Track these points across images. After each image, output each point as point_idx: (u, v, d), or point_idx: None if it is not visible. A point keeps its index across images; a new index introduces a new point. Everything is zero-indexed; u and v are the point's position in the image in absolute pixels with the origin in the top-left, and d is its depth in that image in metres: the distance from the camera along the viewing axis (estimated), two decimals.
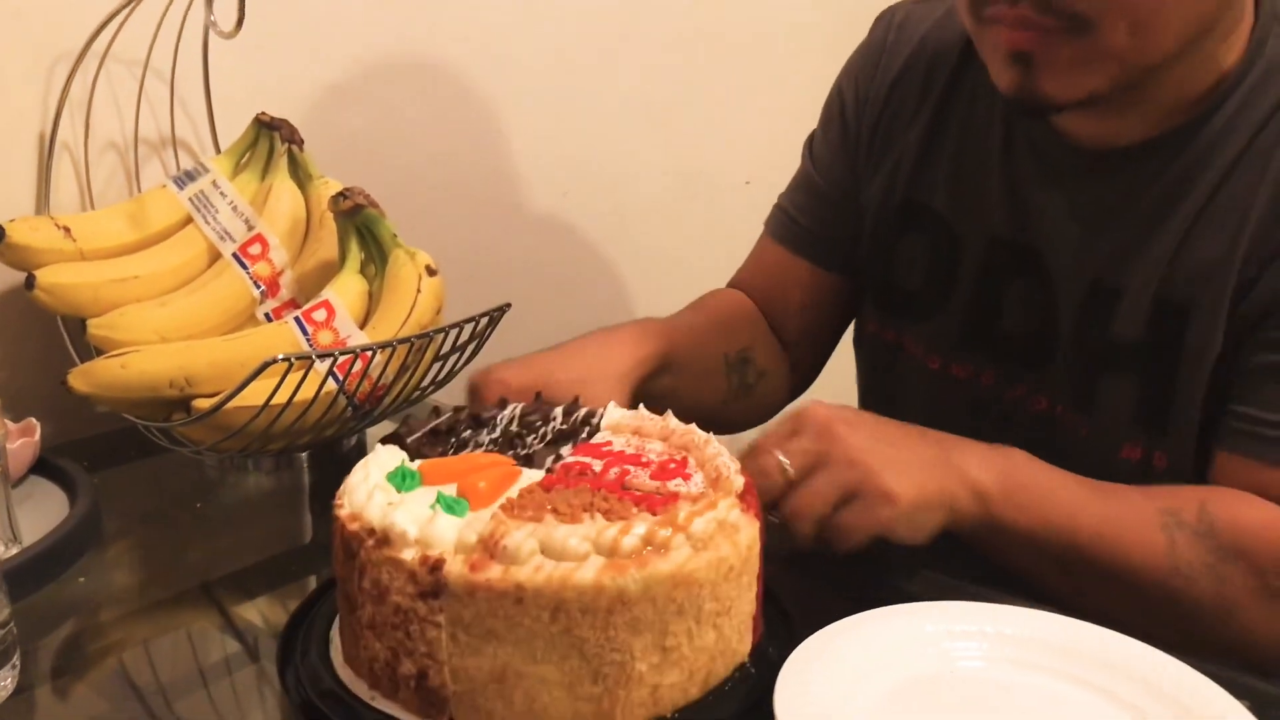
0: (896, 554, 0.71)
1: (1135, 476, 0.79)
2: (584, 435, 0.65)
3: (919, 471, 0.70)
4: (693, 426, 0.65)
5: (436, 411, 0.68)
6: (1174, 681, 0.55)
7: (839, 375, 1.08)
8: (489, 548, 0.50)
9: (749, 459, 0.69)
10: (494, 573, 0.50)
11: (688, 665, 0.53)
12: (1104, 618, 0.64)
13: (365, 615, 0.54)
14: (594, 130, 1.36)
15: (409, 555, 0.51)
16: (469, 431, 0.65)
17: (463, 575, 0.50)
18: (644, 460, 0.61)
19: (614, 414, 0.67)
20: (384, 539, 0.53)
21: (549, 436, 0.64)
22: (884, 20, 0.99)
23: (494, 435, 0.64)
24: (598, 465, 0.60)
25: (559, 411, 0.67)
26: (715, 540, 0.53)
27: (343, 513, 0.56)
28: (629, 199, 1.42)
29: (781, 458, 0.68)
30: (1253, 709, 0.56)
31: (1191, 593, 0.72)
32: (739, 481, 0.57)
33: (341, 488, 0.58)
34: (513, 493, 0.56)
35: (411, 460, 0.61)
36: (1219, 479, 0.77)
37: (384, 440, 0.64)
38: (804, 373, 1.07)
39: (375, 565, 0.53)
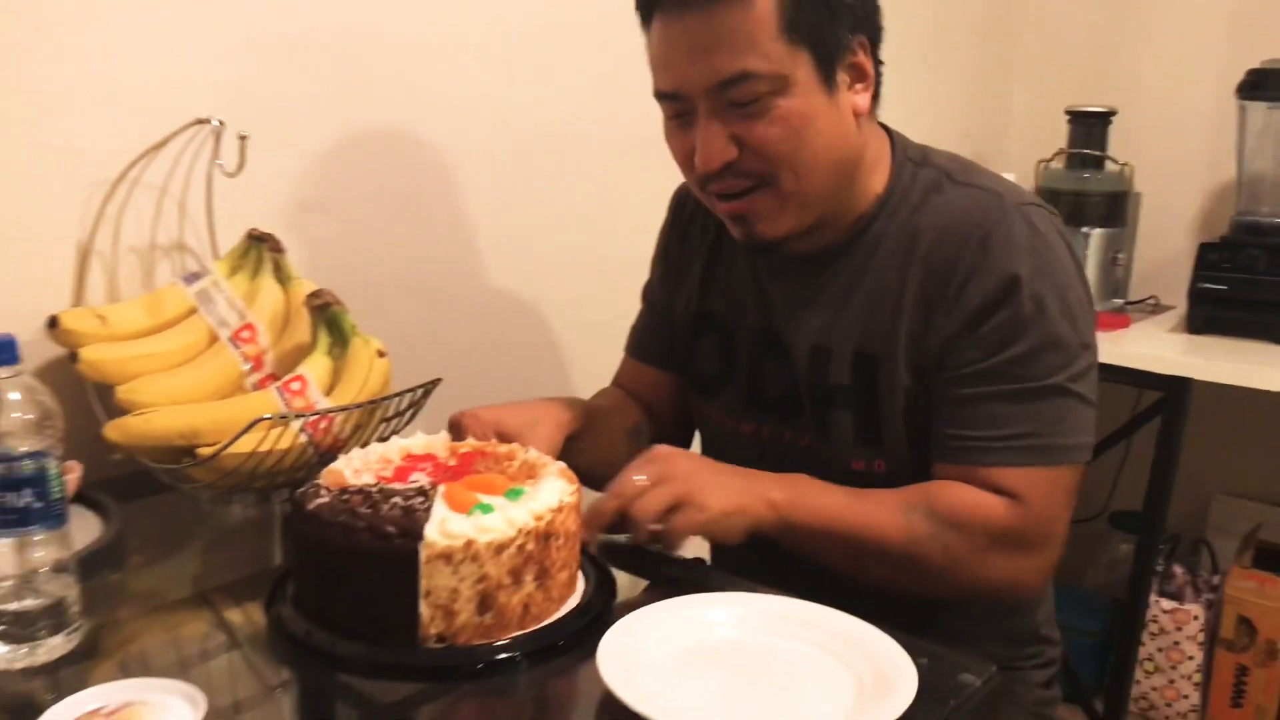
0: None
1: (864, 480, 1.10)
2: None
3: (728, 490, 1.00)
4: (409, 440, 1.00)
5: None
6: (862, 639, 0.81)
7: None
8: None
9: (615, 482, 0.97)
10: None
11: None
12: (879, 582, 0.97)
13: (559, 561, 0.86)
14: (525, 232, 1.63)
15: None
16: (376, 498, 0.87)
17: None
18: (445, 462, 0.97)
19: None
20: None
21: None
22: (676, 196, 1.33)
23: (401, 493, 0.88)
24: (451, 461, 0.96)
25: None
26: None
27: (540, 524, 0.83)
28: (552, 289, 1.70)
29: (636, 476, 0.97)
30: (931, 663, 0.82)
31: (925, 555, 1.02)
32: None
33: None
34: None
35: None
36: (953, 480, 1.05)
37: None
38: (678, 441, 1.32)
39: (562, 528, 0.86)
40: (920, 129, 2.23)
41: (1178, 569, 2.20)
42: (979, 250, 1.04)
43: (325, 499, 0.86)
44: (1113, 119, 2.30)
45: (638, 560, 1.00)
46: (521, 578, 0.83)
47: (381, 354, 1.13)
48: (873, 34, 1.07)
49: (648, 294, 1.36)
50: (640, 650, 0.79)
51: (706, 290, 1.25)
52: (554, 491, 0.87)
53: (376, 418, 1.10)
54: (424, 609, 0.81)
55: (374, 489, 0.88)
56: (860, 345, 1.10)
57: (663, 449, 1.02)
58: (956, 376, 1.05)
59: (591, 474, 1.16)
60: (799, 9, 1.00)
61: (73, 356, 1.10)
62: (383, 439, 1.12)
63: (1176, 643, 2.12)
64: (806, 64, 1.01)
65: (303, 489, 0.89)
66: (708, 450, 1.30)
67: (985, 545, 1.02)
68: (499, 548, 0.81)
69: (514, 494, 0.87)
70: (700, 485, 0.98)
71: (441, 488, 0.87)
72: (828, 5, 1.01)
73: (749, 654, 0.82)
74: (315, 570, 0.86)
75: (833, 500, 1.03)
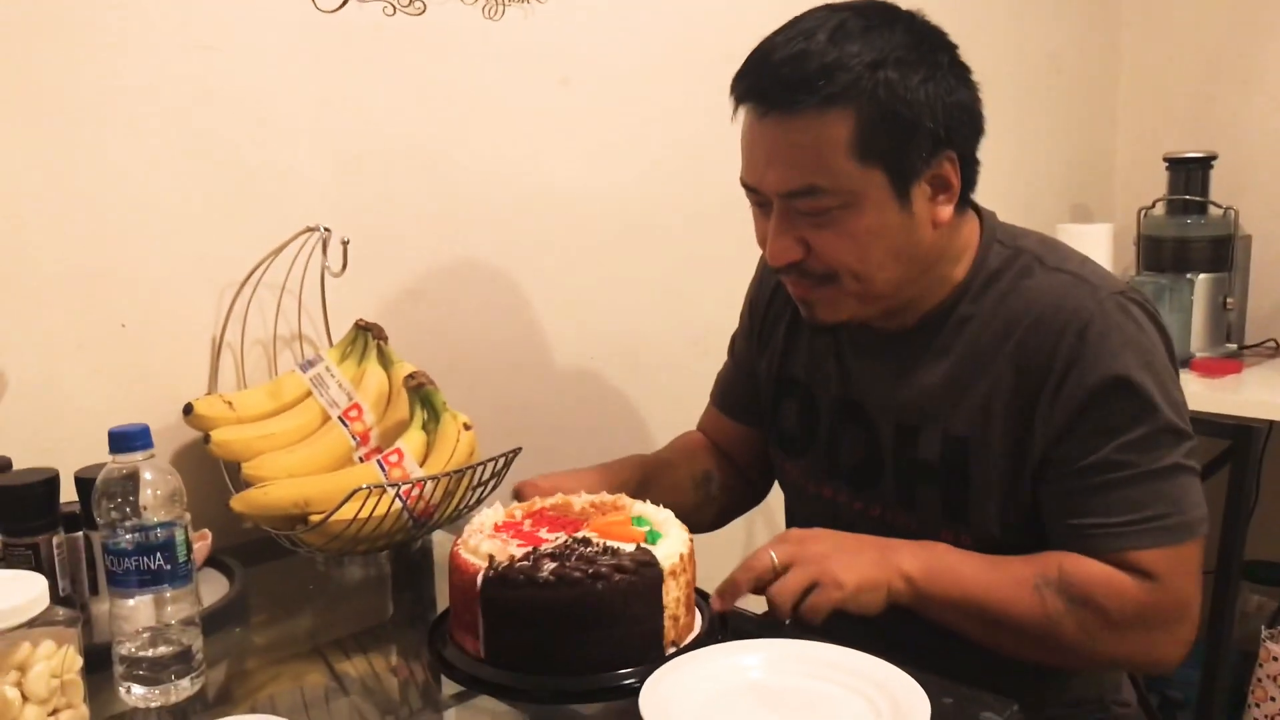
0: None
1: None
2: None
3: (862, 566, 1.02)
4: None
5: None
6: (886, 679, 0.88)
7: None
8: None
9: (750, 558, 1.02)
10: None
11: None
12: (1013, 654, 1.00)
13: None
14: (618, 302, 1.76)
15: None
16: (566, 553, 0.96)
17: None
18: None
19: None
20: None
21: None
22: (762, 260, 1.37)
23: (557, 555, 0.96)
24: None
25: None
26: None
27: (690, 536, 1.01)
28: (647, 358, 1.81)
29: (773, 554, 1.02)
30: (955, 703, 0.89)
31: (1059, 630, 1.03)
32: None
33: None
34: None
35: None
36: None
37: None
38: (759, 486, 1.42)
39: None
40: (1023, 184, 2.30)
41: None
42: (1077, 341, 1.05)
43: (554, 564, 0.93)
44: (1213, 163, 2.29)
45: None
46: (694, 580, 1.00)
47: (467, 427, 1.25)
48: (963, 145, 1.07)
49: (733, 347, 1.42)
50: (678, 695, 0.88)
51: (790, 353, 1.29)
52: (668, 513, 1.04)
53: (464, 485, 1.22)
54: (665, 622, 0.95)
55: (552, 549, 0.97)
56: (949, 426, 1.12)
57: (796, 531, 1.07)
58: (1079, 469, 1.06)
59: None
60: (874, 132, 1.01)
61: (206, 438, 1.26)
62: (469, 505, 1.24)
63: None
64: (880, 182, 1.03)
65: (498, 570, 0.94)
66: (789, 506, 1.36)
67: (1121, 623, 1.03)
68: (689, 557, 0.98)
69: (640, 521, 1.03)
70: (835, 564, 1.01)
71: (591, 534, 0.99)
72: (905, 128, 1.02)
73: (777, 694, 0.89)
74: (560, 626, 0.93)
75: (966, 571, 1.05)
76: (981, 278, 1.12)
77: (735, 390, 1.40)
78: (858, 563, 1.02)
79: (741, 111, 1.08)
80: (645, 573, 0.94)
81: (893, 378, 1.17)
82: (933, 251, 1.10)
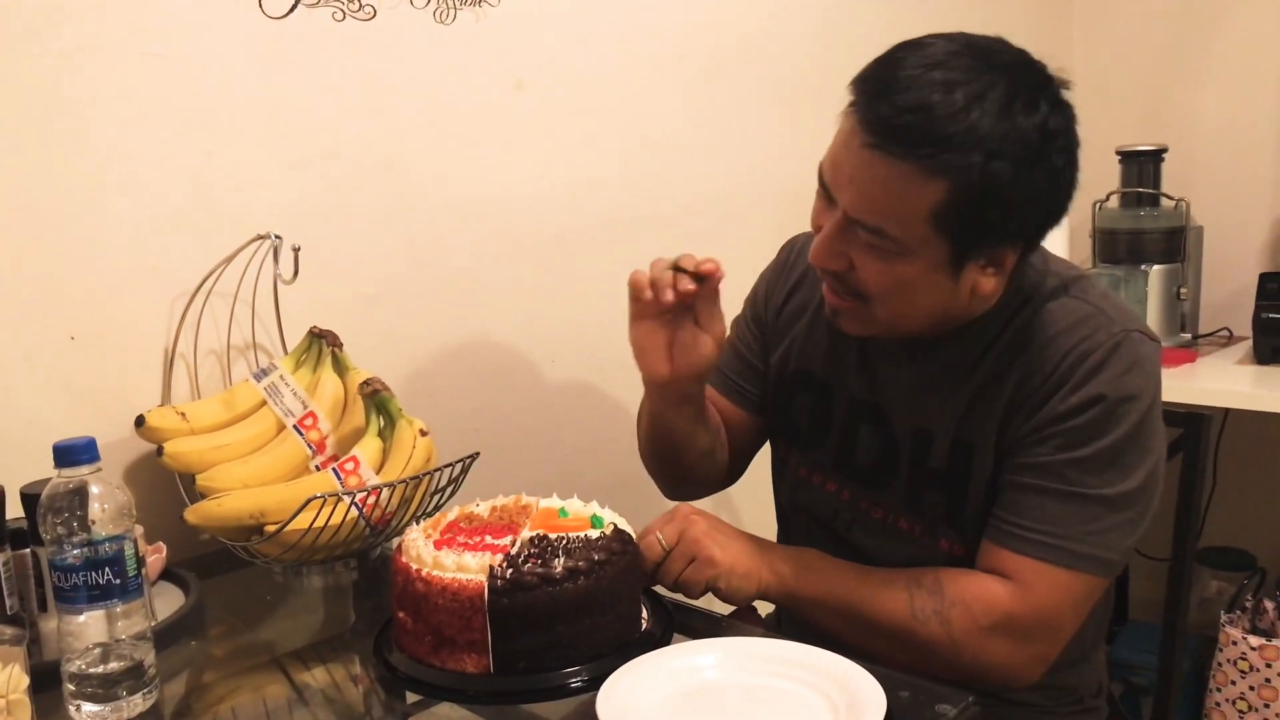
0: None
1: (946, 559, 1.15)
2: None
3: (737, 553, 1.11)
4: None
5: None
6: (843, 674, 0.88)
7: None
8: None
9: (640, 537, 1.09)
10: None
11: None
12: (880, 656, 0.98)
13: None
14: (575, 305, 1.75)
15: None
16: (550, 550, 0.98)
17: None
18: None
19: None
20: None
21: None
22: (788, 246, 1.38)
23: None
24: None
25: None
26: None
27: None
28: (606, 359, 1.80)
29: (659, 536, 1.11)
30: (911, 696, 0.89)
31: (926, 631, 1.06)
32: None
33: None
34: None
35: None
36: (980, 557, 1.11)
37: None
38: (732, 470, 1.42)
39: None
40: None
41: (1268, 604, 2.15)
42: (1074, 364, 1.07)
43: (562, 559, 0.95)
44: (1164, 156, 2.32)
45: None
46: None
47: (424, 433, 1.24)
48: (1035, 239, 1.07)
49: (736, 327, 1.40)
50: (635, 696, 0.88)
51: (809, 348, 1.29)
52: (579, 501, 1.09)
53: (421, 491, 1.21)
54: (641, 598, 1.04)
55: (528, 550, 0.98)
56: (959, 433, 1.14)
57: (684, 508, 1.12)
58: (1016, 465, 1.10)
59: (678, 429, 1.26)
60: (958, 212, 0.99)
61: (159, 450, 1.24)
62: (427, 512, 1.24)
63: (1268, 680, 2.08)
64: (941, 250, 1.02)
65: (506, 578, 0.93)
66: (780, 490, 1.37)
67: (985, 626, 1.06)
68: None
69: (564, 513, 1.06)
70: (713, 543, 1.10)
71: (537, 531, 1.01)
72: (987, 222, 1.01)
73: (734, 692, 0.89)
74: (577, 618, 0.94)
75: (838, 575, 1.11)
76: (1015, 301, 1.13)
77: (726, 369, 1.39)
78: (732, 546, 1.11)
79: (849, 113, 1.04)
80: (632, 549, 1.00)
81: (914, 385, 1.18)
82: (959, 310, 1.11)
